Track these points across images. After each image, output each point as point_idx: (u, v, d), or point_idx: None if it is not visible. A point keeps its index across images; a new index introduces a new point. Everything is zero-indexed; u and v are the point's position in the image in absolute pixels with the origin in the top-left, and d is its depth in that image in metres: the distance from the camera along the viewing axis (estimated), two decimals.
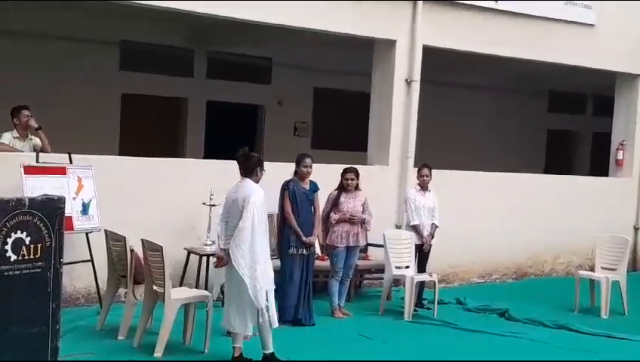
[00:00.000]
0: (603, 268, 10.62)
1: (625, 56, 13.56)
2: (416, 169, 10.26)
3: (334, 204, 9.22)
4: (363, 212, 9.31)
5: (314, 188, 8.93)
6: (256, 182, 7.14)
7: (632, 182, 13.97)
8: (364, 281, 10.99)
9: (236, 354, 7.05)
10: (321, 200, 9.18)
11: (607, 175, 14.27)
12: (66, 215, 6.22)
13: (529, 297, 11.10)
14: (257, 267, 6.87)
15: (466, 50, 11.88)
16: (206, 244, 9.12)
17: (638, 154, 13.99)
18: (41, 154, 8.50)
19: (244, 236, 6.84)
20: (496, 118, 17.39)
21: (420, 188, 10.04)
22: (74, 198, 8.38)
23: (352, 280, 9.77)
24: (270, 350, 7.05)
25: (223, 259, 6.99)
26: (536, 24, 12.35)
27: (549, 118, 18.96)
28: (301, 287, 8.64)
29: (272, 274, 7.06)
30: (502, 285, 12.21)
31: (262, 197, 7.03)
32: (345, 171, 9.34)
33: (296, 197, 8.72)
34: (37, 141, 8.96)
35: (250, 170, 7.16)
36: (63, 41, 12.47)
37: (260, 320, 6.94)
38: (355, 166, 9.51)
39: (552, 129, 19.08)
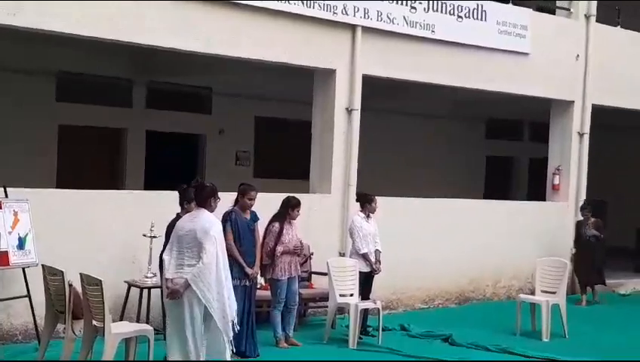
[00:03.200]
0: (543, 291, 10.78)
1: (560, 83, 13.91)
2: (365, 198, 10.24)
3: (278, 236, 9.14)
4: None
5: (254, 218, 8.87)
6: (211, 211, 7.08)
7: (568, 205, 14.26)
8: (309, 310, 10.94)
9: None
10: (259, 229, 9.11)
11: (544, 199, 14.54)
12: (1, 250, 6.08)
13: (472, 321, 11.20)
14: (224, 300, 6.86)
15: (404, 79, 12.04)
16: (147, 277, 8.98)
17: (573, 178, 14.30)
18: None
19: (209, 270, 6.77)
20: (435, 144, 17.62)
21: (364, 215, 10.07)
22: (9, 233, 8.19)
23: (298, 307, 9.72)
24: None
25: (179, 291, 6.85)
26: (472, 53, 12.59)
27: (488, 145, 19.29)
28: (244, 319, 8.52)
29: (235, 306, 7.02)
30: (445, 310, 12.30)
31: (220, 228, 7.01)
32: (295, 204, 9.25)
33: (238, 228, 8.65)
34: None
35: (205, 199, 7.10)
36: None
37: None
38: (297, 196, 9.46)
39: (490, 155, 19.42)
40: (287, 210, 9.23)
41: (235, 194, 8.87)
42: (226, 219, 8.62)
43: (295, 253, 9.21)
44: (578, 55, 14.09)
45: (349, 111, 11.40)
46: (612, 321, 12.07)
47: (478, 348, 9.66)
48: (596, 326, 11.46)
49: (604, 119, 14.86)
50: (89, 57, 12.34)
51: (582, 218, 13.39)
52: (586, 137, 14.39)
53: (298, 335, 9.76)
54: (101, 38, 9.24)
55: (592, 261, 13.16)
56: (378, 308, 9.70)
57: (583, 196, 14.31)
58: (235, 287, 8.27)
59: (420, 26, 11.84)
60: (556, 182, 14.28)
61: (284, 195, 9.44)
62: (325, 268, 9.91)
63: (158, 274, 8.26)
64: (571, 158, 14.26)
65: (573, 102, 14.21)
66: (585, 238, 13.21)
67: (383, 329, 9.73)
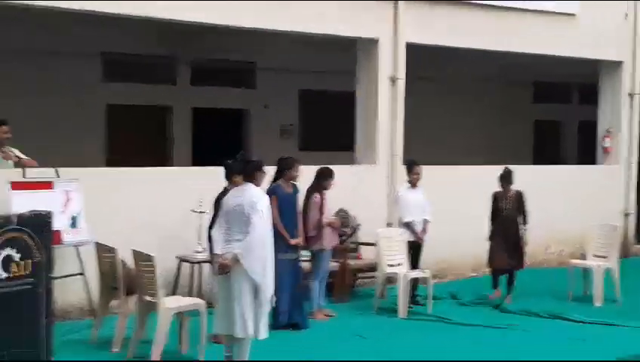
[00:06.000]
0: (595, 256, 10.65)
1: (607, 44, 13.62)
2: (406, 167, 10.22)
3: (321, 207, 9.18)
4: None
5: (295, 190, 8.91)
6: (257, 186, 7.11)
7: (619, 168, 14.02)
8: (358, 281, 10.99)
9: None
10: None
11: (594, 163, 14.31)
12: (54, 229, 6.22)
13: (522, 288, 11.11)
14: (268, 272, 6.89)
15: (448, 45, 11.90)
16: (197, 252, 9.11)
17: (624, 141, 14.04)
18: (27, 169, 8.46)
19: (257, 244, 6.81)
20: (482, 111, 17.41)
21: (410, 185, 10.04)
22: (62, 212, 8.36)
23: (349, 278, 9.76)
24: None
25: (228, 266, 6.92)
26: (517, 16, 12.40)
27: (535, 109, 19.01)
28: (293, 291, 8.62)
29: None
30: None
31: (268, 202, 7.04)
32: (328, 175, 9.26)
33: (282, 202, 8.70)
34: (19, 154, 8.84)
35: (251, 174, 7.11)
36: (45, 54, 12.42)
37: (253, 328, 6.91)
38: (329, 166, 9.41)
39: (539, 120, 19.14)
40: (322, 181, 9.24)
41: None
42: (272, 193, 8.68)
43: (336, 227, 9.29)
44: (627, 14, 13.76)
45: (394, 80, 11.33)
46: None
47: (529, 314, 9.60)
48: None
49: None
50: (132, 36, 12.43)
51: (499, 189, 10.44)
52: (637, 98, 14.09)
53: (347, 306, 9.84)
54: (143, 16, 9.31)
55: (511, 241, 10.28)
56: (427, 277, 9.69)
57: (635, 158, 14.05)
58: (280, 261, 8.37)
59: None
60: (606, 145, 14.05)
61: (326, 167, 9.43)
62: (373, 239, 9.92)
63: (208, 249, 8.36)
64: (622, 120, 14.00)
65: (623, 62, 13.91)
66: (503, 213, 10.32)
67: (433, 298, 9.73)
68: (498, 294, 10.35)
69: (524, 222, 10.29)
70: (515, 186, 10.32)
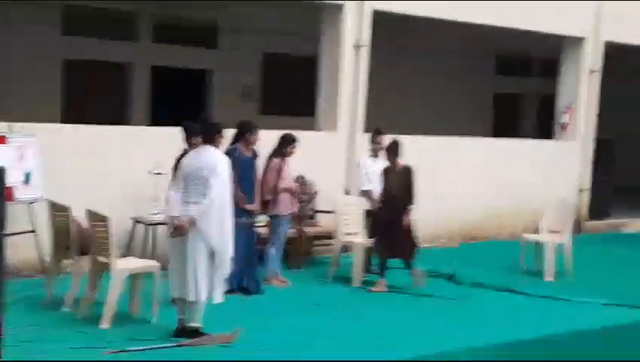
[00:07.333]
0: (549, 231, 10.78)
1: (571, 19, 13.66)
2: (371, 135, 10.17)
3: (279, 172, 9.13)
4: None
5: (254, 154, 8.83)
6: (217, 148, 7.03)
7: (576, 144, 14.17)
8: (314, 248, 10.99)
9: (180, 326, 7.03)
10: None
11: (552, 138, 14.44)
12: (7, 185, 6.08)
13: (475, 261, 11.26)
14: (227, 240, 6.85)
15: (414, 14, 11.84)
16: (153, 214, 9.01)
17: (582, 117, 14.18)
18: None
19: (215, 207, 6.74)
20: (443, 82, 17.44)
21: (372, 153, 9.99)
22: (15, 168, 8.19)
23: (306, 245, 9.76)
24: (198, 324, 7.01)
25: (184, 228, 6.84)
26: None
27: (497, 80, 19.08)
28: (246, 256, 8.59)
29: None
30: (449, 249, 12.33)
31: (226, 165, 6.95)
32: (290, 140, 9.19)
33: (240, 166, 8.61)
34: None
35: (211, 136, 7.03)
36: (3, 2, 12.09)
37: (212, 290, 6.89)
38: (292, 132, 9.36)
39: (499, 93, 19.23)
40: (283, 147, 9.18)
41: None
42: (228, 155, 8.58)
43: (294, 194, 9.25)
44: None
45: (358, 47, 11.26)
46: (617, 261, 12.09)
47: (480, 286, 9.72)
48: (601, 267, 11.50)
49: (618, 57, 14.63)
50: None
51: (388, 163, 9.38)
52: (597, 75, 14.21)
53: (303, 273, 9.85)
54: None
55: (399, 226, 9.15)
56: None
57: (592, 135, 14.21)
58: (235, 225, 8.30)
59: None
60: (565, 120, 14.16)
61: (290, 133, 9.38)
62: (331, 207, 9.90)
63: (164, 211, 8.27)
64: (580, 97, 14.12)
65: (584, 38, 13.99)
66: (391, 190, 9.24)
67: (388, 268, 9.77)
68: (381, 286, 9.28)
69: (411, 202, 9.18)
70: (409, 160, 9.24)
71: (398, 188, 9.18)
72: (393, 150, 9.29)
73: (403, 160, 9.34)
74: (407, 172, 9.22)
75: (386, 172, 9.35)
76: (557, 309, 8.92)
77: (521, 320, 8.38)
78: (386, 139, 9.79)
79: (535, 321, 8.36)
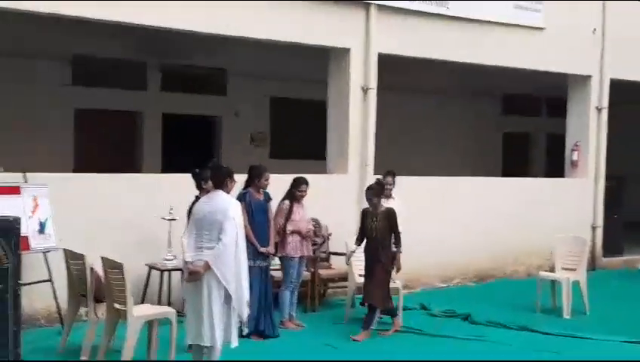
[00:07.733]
0: (563, 268, 10.73)
1: (576, 57, 13.76)
2: (381, 176, 10.20)
3: (288, 214, 9.16)
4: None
5: (267, 197, 8.89)
6: (227, 193, 7.07)
7: (587, 182, 14.17)
8: (328, 290, 10.95)
9: None
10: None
11: (562, 176, 14.45)
12: (22, 235, 6.12)
13: (490, 300, 11.18)
14: (243, 283, 6.84)
15: (419, 57, 11.95)
16: (167, 259, 9.02)
17: (592, 154, 14.20)
18: None
19: (229, 251, 6.75)
20: (452, 122, 17.53)
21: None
22: (30, 218, 8.23)
23: (319, 288, 9.70)
24: None
25: (198, 273, 6.83)
26: (488, 29, 12.49)
27: (504, 121, 19.17)
28: (261, 299, 8.59)
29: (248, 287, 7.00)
30: (464, 288, 12.27)
31: (240, 209, 6.99)
32: (300, 183, 9.27)
33: (252, 209, 8.67)
34: None
35: (221, 181, 7.07)
36: (13, 56, 12.26)
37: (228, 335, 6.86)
38: (304, 176, 9.44)
39: (507, 132, 19.31)
40: (294, 190, 9.24)
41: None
42: (240, 200, 8.64)
43: (306, 236, 9.25)
44: (595, 29, 13.94)
45: (365, 90, 11.35)
46: (634, 297, 11.99)
47: (497, 325, 9.65)
48: (617, 303, 11.41)
49: (623, 94, 14.69)
50: (102, 41, 12.30)
51: (367, 206, 9.03)
52: (605, 112, 14.27)
53: (318, 315, 9.80)
54: (114, 21, 9.24)
55: (374, 271, 8.85)
56: (397, 288, 9.69)
57: (603, 172, 14.22)
58: (250, 268, 8.31)
59: (435, 2, 11.78)
60: (575, 158, 14.18)
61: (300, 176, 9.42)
62: (344, 249, 9.89)
63: (179, 257, 8.28)
64: (589, 134, 14.15)
65: (591, 76, 14.07)
66: (372, 234, 8.85)
67: (403, 309, 9.72)
68: (395, 327, 9.17)
69: (397, 244, 8.88)
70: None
71: (381, 231, 8.82)
72: (376, 191, 8.92)
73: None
74: (390, 214, 8.85)
75: (364, 214, 8.99)
76: (576, 347, 8.82)
77: (540, 358, 8.28)
78: (394, 180, 9.93)
79: (554, 359, 8.26)
